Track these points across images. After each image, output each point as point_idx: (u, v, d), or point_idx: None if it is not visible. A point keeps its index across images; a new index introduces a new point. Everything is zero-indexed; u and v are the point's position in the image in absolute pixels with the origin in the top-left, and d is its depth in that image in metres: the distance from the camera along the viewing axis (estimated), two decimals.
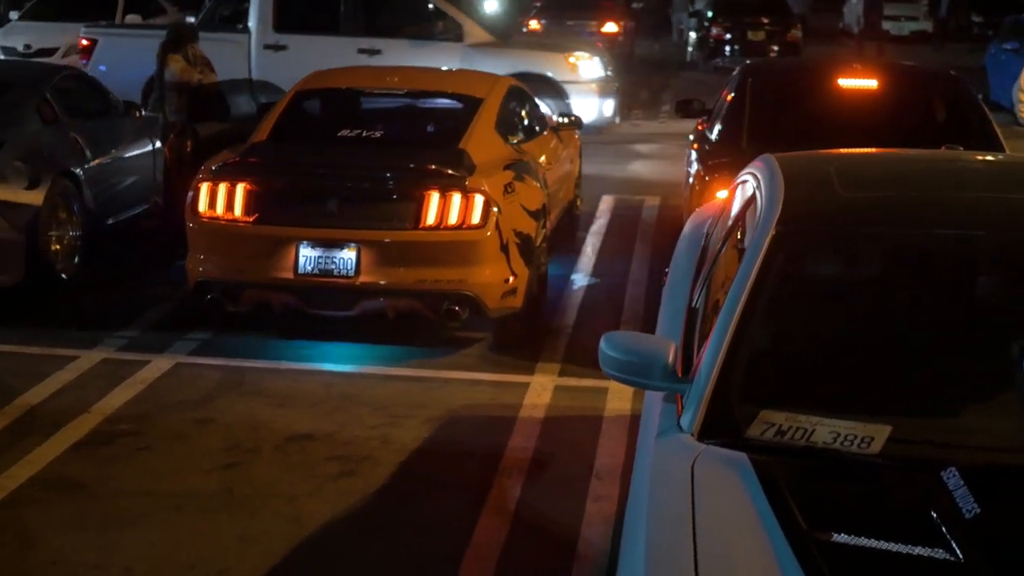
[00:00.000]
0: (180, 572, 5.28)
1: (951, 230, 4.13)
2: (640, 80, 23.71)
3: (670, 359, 3.75)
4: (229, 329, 8.41)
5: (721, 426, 3.54)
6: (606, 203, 12.94)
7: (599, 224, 12.01)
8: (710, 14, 27.68)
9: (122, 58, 15.90)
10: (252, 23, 16.43)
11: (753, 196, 4.65)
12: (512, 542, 5.57)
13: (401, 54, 15.56)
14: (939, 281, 4.06)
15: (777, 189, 4.38)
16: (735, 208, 5.04)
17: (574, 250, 10.86)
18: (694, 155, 9.38)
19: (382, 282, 7.71)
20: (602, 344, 3.87)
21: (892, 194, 4.46)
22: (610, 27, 25.53)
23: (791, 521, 3.05)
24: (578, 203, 11.37)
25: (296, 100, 9.15)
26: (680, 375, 3.86)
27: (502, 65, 15.59)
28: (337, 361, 7.91)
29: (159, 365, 7.77)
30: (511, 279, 7.93)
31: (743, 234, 4.54)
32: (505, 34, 16.62)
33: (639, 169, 15.28)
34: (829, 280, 4.24)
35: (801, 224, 4.15)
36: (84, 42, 17.02)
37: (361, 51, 15.88)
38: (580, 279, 10.01)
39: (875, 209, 4.28)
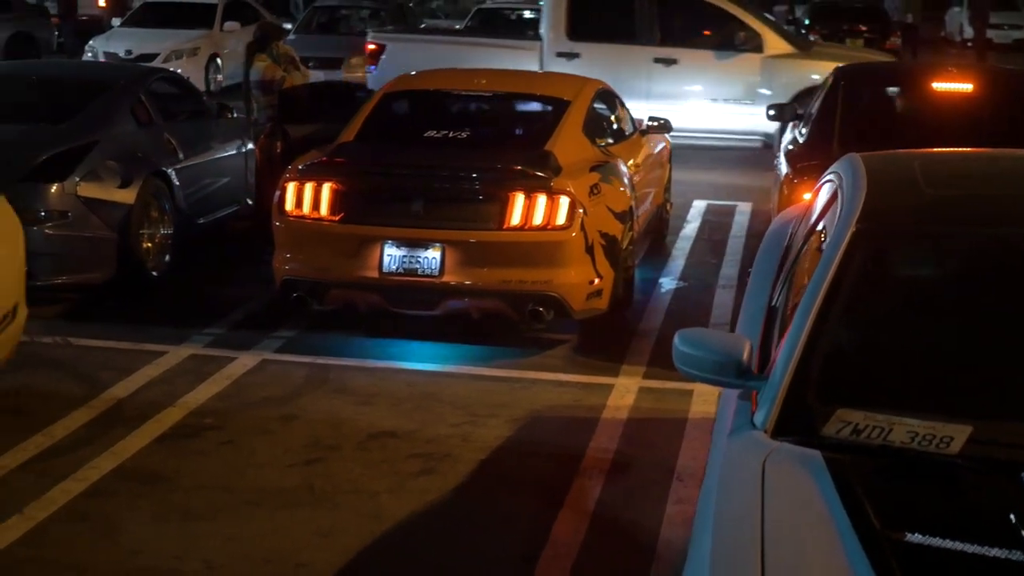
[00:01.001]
0: (258, 566, 5.30)
1: None
2: None
3: (745, 356, 3.70)
4: (315, 327, 8.46)
5: (795, 423, 3.48)
6: (697, 208, 12.85)
7: (689, 228, 11.92)
8: (807, 22, 27.40)
9: (409, 63, 15.93)
10: (543, 30, 16.31)
11: (835, 195, 4.57)
12: (590, 542, 5.52)
13: (698, 64, 15.41)
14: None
15: (859, 186, 4.31)
16: (818, 208, 4.95)
17: (663, 254, 10.79)
18: (783, 158, 9.27)
19: (466, 282, 7.71)
20: (676, 341, 3.82)
21: (978, 191, 4.36)
22: None
23: (863, 519, 2.98)
24: (668, 207, 11.29)
25: (384, 101, 9.18)
26: (757, 373, 3.80)
27: (803, 76, 15.44)
28: (421, 360, 7.91)
29: (245, 362, 7.83)
30: (596, 281, 7.89)
31: (825, 233, 4.46)
32: (804, 45, 16.36)
33: (732, 175, 15.14)
34: (910, 278, 4.15)
35: (882, 221, 4.07)
36: (371, 46, 16.97)
37: (657, 60, 15.71)
38: (668, 283, 9.93)
39: (960, 206, 4.18)
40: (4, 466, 6.20)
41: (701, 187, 13.85)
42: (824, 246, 4.13)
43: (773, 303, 4.69)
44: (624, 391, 7.42)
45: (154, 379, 7.51)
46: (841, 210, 4.23)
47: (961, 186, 4.47)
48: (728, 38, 15.93)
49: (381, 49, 16.70)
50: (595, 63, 15.04)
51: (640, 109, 11.43)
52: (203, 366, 7.75)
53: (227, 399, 7.22)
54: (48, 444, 6.49)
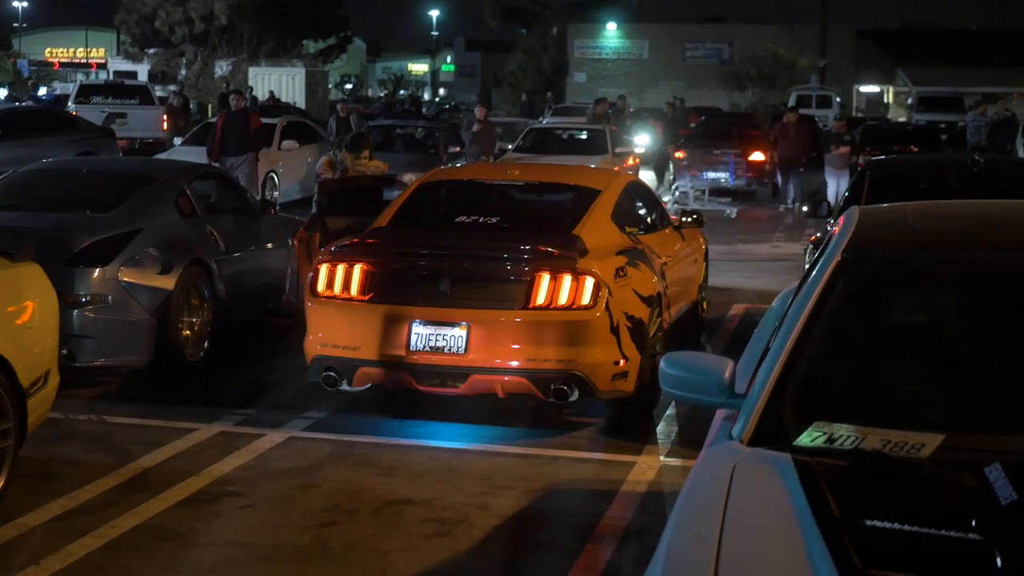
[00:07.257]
0: None
1: (1010, 253, 4.08)
2: (787, 210, 23.70)
3: (726, 375, 3.76)
4: (343, 409, 8.56)
5: (771, 433, 3.52)
6: (735, 310, 12.89)
7: (725, 329, 11.95)
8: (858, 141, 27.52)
9: None
10: None
11: (831, 239, 4.65)
12: None
13: None
14: (998, 303, 4.00)
15: (850, 225, 4.39)
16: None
17: (696, 350, 10.81)
18: (811, 247, 9.35)
19: (492, 360, 7.79)
20: (662, 364, 3.89)
21: (959, 224, 4.43)
22: (757, 156, 25.63)
23: (824, 508, 3.02)
24: (704, 306, 11.34)
25: (419, 191, 9.37)
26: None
27: None
28: (446, 438, 7.97)
29: (272, 438, 7.92)
30: (622, 362, 7.94)
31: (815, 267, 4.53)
32: None
33: (773, 281, 15.17)
34: (889, 301, 4.20)
35: (865, 250, 4.15)
36: None
37: None
38: None
39: (937, 235, 4.26)
40: (27, 523, 6.30)
41: (741, 294, 13.88)
42: (811, 277, 4.21)
43: (768, 345, 4.75)
44: (645, 467, 7.44)
45: (182, 452, 7.62)
46: (831, 246, 4.31)
47: (946, 221, 4.54)
48: None
49: None
50: None
51: None
52: (230, 441, 7.85)
53: (250, 469, 7.31)
54: (72, 506, 6.59)
